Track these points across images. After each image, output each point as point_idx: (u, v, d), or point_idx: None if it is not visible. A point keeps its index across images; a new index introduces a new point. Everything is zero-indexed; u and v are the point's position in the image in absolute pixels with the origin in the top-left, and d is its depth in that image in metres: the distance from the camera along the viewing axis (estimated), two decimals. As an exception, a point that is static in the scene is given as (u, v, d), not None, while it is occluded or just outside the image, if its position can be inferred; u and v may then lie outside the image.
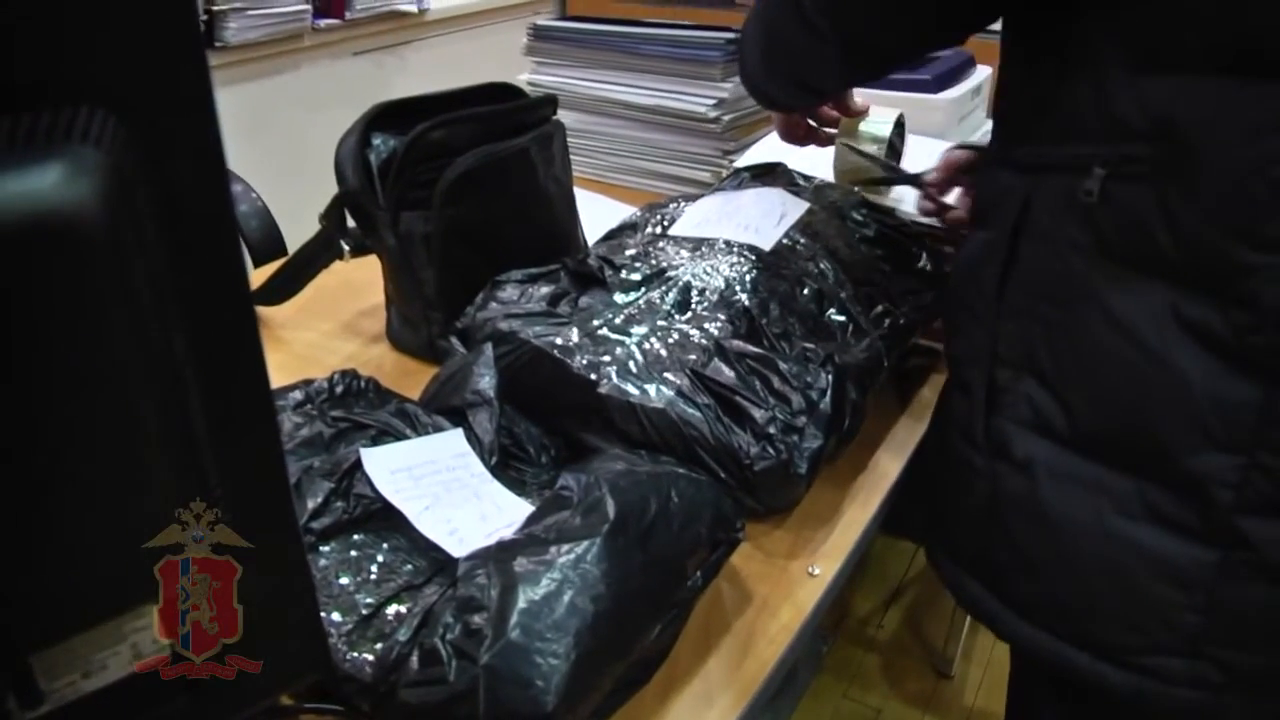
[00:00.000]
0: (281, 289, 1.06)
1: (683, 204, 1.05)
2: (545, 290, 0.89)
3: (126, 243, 0.34)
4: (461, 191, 0.95)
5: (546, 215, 1.05)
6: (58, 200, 0.32)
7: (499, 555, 0.59)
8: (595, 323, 0.84)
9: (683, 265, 0.90)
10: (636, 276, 0.89)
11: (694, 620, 0.68)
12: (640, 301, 0.86)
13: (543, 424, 0.82)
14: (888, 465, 0.90)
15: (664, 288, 0.87)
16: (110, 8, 0.34)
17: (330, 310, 1.14)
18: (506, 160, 0.97)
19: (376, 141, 0.98)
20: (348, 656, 0.59)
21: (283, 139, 2.30)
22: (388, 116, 1.00)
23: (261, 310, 1.07)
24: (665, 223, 1.01)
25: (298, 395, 0.81)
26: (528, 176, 1.01)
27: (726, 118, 1.38)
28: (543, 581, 0.57)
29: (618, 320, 0.84)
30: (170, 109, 0.36)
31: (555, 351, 0.81)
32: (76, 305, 0.33)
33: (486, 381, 0.79)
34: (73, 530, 0.37)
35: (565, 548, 0.59)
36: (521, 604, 0.55)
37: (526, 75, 1.53)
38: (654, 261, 0.92)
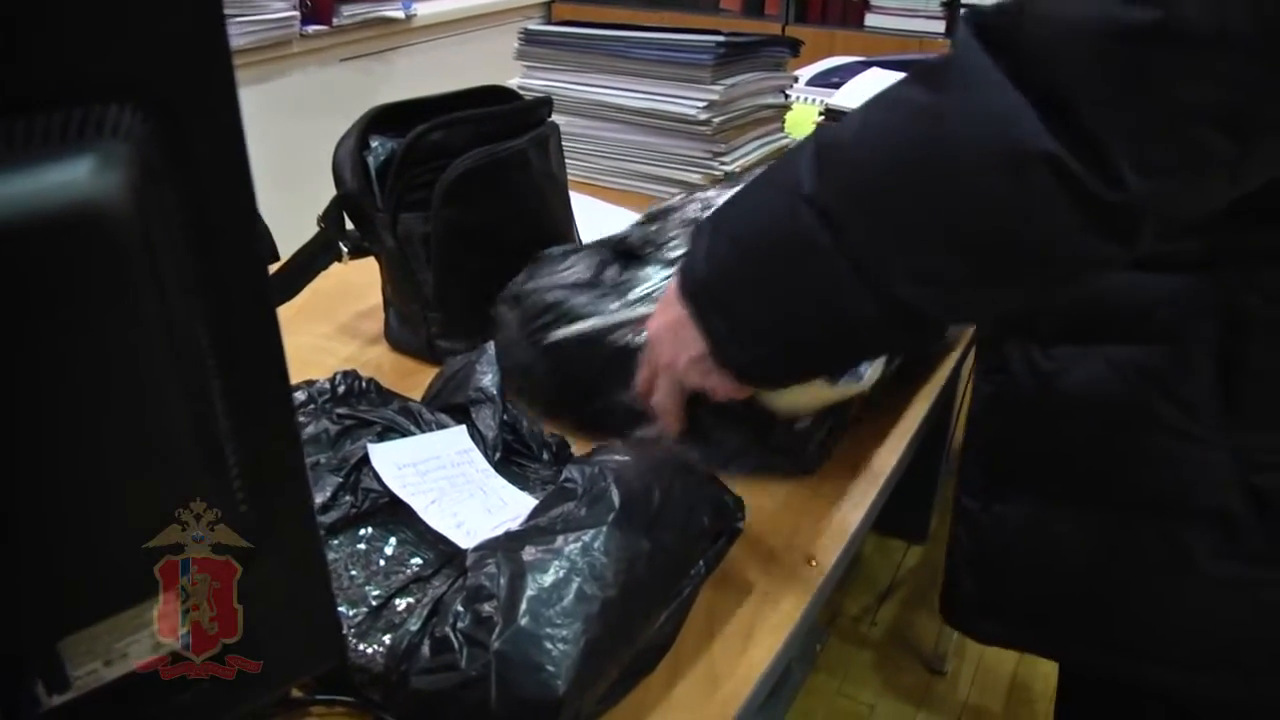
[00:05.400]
0: (280, 291, 1.07)
1: (723, 190, 1.07)
2: (588, 263, 0.92)
3: (154, 234, 0.35)
4: (460, 193, 0.96)
5: (544, 216, 1.06)
6: (89, 192, 0.33)
7: (507, 545, 0.60)
8: (635, 294, 0.86)
9: None
10: (675, 254, 0.92)
11: (697, 610, 0.69)
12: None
13: (582, 389, 0.85)
14: (884, 460, 0.92)
15: None
16: (137, 5, 0.35)
17: (328, 312, 1.14)
18: (504, 161, 0.99)
19: (374, 144, 0.99)
20: (358, 648, 0.60)
21: (270, 144, 2.29)
22: (385, 119, 1.01)
23: (260, 313, 1.08)
24: (707, 207, 1.04)
25: (300, 395, 0.82)
26: (525, 177, 1.02)
27: (717, 120, 1.40)
28: (551, 569, 0.58)
29: (655, 293, 0.86)
30: (196, 104, 0.37)
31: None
32: (105, 294, 0.34)
33: (489, 379, 0.80)
34: (99, 517, 0.38)
35: (572, 536, 0.60)
36: (531, 591, 0.57)
37: (517, 80, 1.54)
38: None
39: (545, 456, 0.80)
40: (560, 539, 0.60)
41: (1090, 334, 0.74)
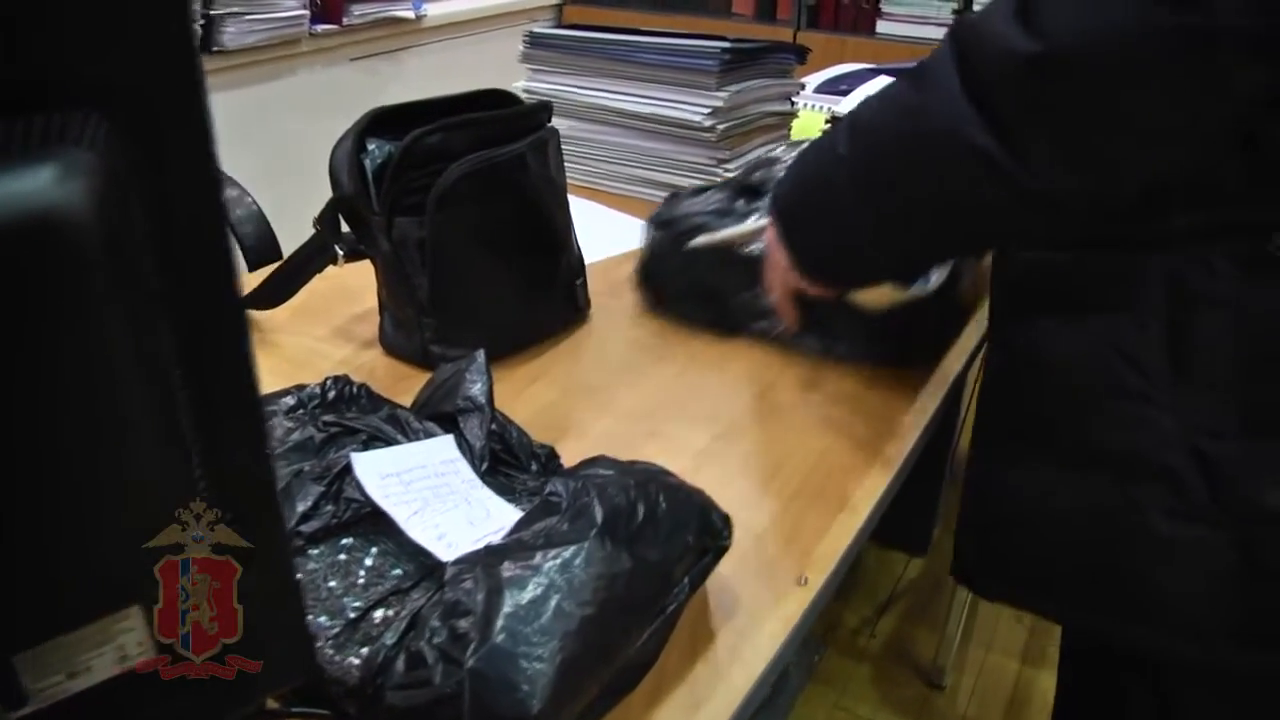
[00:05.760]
0: (275, 293, 1.06)
1: None
2: (720, 197, 1.13)
3: (118, 244, 0.34)
4: (456, 197, 0.95)
5: (541, 221, 1.06)
6: (51, 201, 0.32)
7: (487, 560, 0.59)
8: (755, 217, 1.07)
9: None
10: None
11: (682, 628, 0.68)
12: None
13: (716, 291, 1.10)
14: (878, 475, 0.91)
15: None
16: (104, 12, 0.34)
17: (323, 315, 1.14)
18: (502, 166, 0.98)
19: (372, 146, 0.98)
20: (334, 659, 0.60)
21: (279, 144, 2.30)
22: (383, 122, 1.00)
23: (255, 314, 1.08)
24: None
25: (289, 400, 0.81)
26: (523, 182, 1.01)
27: (721, 126, 1.39)
28: (529, 586, 0.57)
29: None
30: (163, 113, 0.37)
31: None
32: (69, 305, 0.33)
33: (478, 388, 0.79)
34: (60, 530, 0.37)
35: (552, 553, 0.59)
36: (508, 608, 0.56)
37: (522, 83, 1.54)
38: None
39: (533, 467, 0.79)
40: (540, 555, 0.59)
41: (1066, 306, 0.81)
